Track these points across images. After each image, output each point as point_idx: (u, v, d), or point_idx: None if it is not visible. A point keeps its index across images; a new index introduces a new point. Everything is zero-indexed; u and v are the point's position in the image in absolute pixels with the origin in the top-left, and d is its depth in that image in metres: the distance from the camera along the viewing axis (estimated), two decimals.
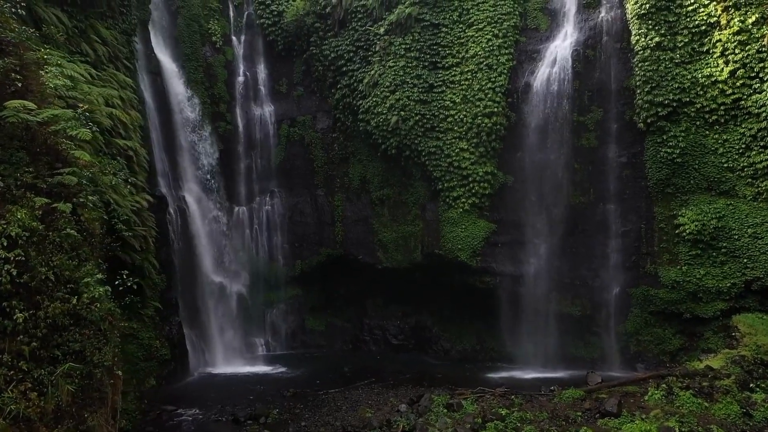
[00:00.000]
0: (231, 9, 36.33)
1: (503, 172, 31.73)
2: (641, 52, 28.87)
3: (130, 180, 24.19)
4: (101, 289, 12.47)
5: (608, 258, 30.11)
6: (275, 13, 35.93)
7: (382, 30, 33.26)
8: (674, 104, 28.19)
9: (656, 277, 28.90)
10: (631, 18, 29.35)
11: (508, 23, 31.81)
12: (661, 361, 28.40)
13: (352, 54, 34.24)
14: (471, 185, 31.48)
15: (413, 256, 33.52)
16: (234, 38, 36.16)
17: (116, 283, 15.14)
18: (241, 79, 35.96)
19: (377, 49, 33.48)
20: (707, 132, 27.97)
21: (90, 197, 14.05)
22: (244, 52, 36.43)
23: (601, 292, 30.32)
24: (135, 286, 17.06)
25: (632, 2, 29.31)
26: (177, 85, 31.99)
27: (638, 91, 28.96)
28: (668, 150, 28.41)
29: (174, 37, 33.12)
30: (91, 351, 12.14)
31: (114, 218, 19.12)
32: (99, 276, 12.81)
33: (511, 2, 32.06)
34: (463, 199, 31.63)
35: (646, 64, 28.73)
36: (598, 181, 30.43)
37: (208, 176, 32.92)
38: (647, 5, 28.63)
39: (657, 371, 24.44)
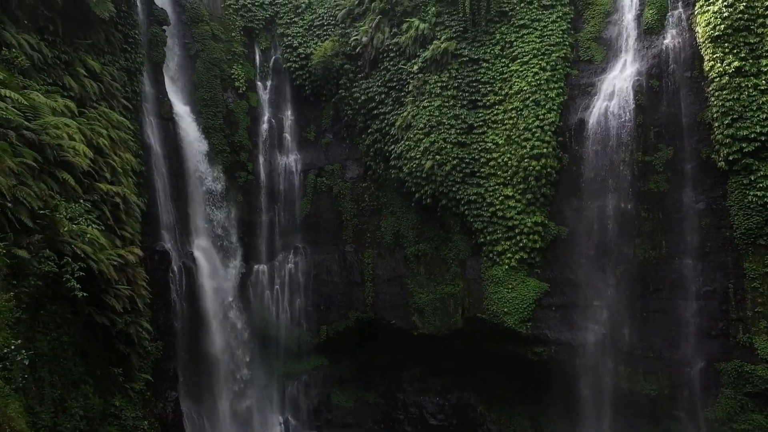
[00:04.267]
0: (257, 53, 34.15)
1: (555, 222, 27.78)
2: (718, 79, 24.60)
3: (119, 232, 21.27)
4: None
5: (688, 324, 25.15)
6: (303, 56, 33.49)
7: (415, 68, 30.20)
8: (762, 138, 23.61)
9: (752, 348, 23.69)
10: (703, 42, 25.23)
11: (557, 54, 28.23)
12: None
13: (383, 95, 31.21)
14: (518, 238, 27.49)
15: (453, 320, 29.34)
16: (259, 83, 33.79)
17: None
18: (265, 126, 33.33)
19: (410, 88, 30.31)
20: None
21: None
22: (270, 98, 33.97)
23: (680, 367, 25.28)
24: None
25: (703, 24, 25.23)
26: (191, 132, 29.49)
27: (716, 125, 24.55)
28: (758, 193, 23.60)
29: (192, 81, 30.92)
30: None
31: (66, 273, 15.69)
32: None
33: (560, 32, 28.58)
34: (509, 254, 27.56)
35: (725, 93, 24.39)
36: (671, 231, 25.78)
37: (223, 231, 29.78)
38: (722, 26, 24.51)
39: None
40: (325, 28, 33.42)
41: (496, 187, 28.06)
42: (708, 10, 25.07)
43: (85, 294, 16.26)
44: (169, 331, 24.62)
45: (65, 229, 15.42)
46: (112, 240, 20.34)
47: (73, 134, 18.63)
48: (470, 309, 28.93)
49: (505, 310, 27.58)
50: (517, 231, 27.54)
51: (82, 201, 17.21)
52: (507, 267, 27.69)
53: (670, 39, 26.55)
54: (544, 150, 27.26)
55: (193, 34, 31.32)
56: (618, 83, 27.04)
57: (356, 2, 32.64)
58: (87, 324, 19.45)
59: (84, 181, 19.44)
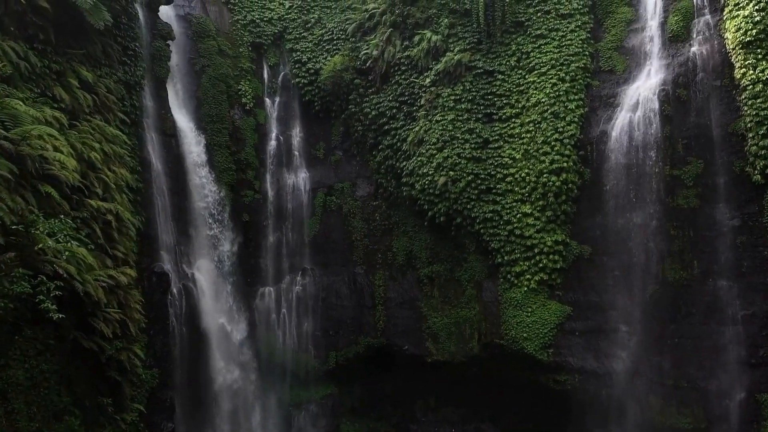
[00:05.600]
0: (265, 69, 33.15)
1: (578, 241, 26.13)
2: (750, 87, 23.03)
3: (110, 251, 20.04)
4: None
5: (725, 351, 23.22)
6: (312, 71, 32.43)
7: (428, 81, 28.97)
8: None
9: None
10: (733, 48, 23.72)
11: (576, 65, 26.91)
12: None
13: (395, 110, 29.97)
14: (537, 258, 25.91)
15: (469, 346, 27.74)
16: (267, 99, 32.73)
17: None
18: (273, 143, 32.18)
19: (422, 102, 29.06)
20: None
21: None
22: (278, 114, 32.86)
23: (718, 398, 23.28)
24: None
25: (733, 30, 23.72)
26: (195, 149, 28.40)
27: (750, 136, 22.93)
28: None
29: (197, 97, 29.88)
30: None
31: (41, 294, 14.37)
32: None
33: (579, 42, 27.29)
34: (528, 276, 25.96)
35: (759, 101, 22.79)
36: (702, 250, 24.08)
37: (227, 251, 28.48)
38: (754, 31, 22.98)
39: None
40: (334, 42, 32.41)
41: (514, 204, 26.52)
42: (738, 15, 23.56)
43: (61, 315, 14.91)
44: (166, 358, 23.22)
45: (40, 246, 14.14)
46: (102, 260, 19.11)
47: (60, 146, 17.52)
48: (487, 334, 27.23)
49: (525, 335, 25.84)
50: (536, 250, 25.90)
51: (62, 216, 15.89)
52: (526, 289, 26.01)
53: (697, 46, 25.03)
54: (564, 164, 25.74)
55: (198, 50, 30.39)
56: (642, 93, 25.52)
57: (367, 16, 31.64)
58: (73, 350, 18.12)
59: (72, 196, 18.32)
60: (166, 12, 29.18)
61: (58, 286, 14.71)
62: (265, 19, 32.89)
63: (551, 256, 25.77)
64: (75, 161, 18.34)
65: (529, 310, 25.98)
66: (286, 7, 33.23)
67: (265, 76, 33.00)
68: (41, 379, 16.31)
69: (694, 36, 25.23)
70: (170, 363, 23.55)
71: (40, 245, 14.31)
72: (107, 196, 19.93)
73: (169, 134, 27.31)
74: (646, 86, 25.71)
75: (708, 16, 25.12)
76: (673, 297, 24.30)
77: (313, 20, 33.09)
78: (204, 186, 28.54)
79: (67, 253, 14.96)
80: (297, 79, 32.63)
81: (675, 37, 25.68)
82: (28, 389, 15.59)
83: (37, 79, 18.39)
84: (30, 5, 18.15)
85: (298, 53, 32.71)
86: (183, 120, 28.67)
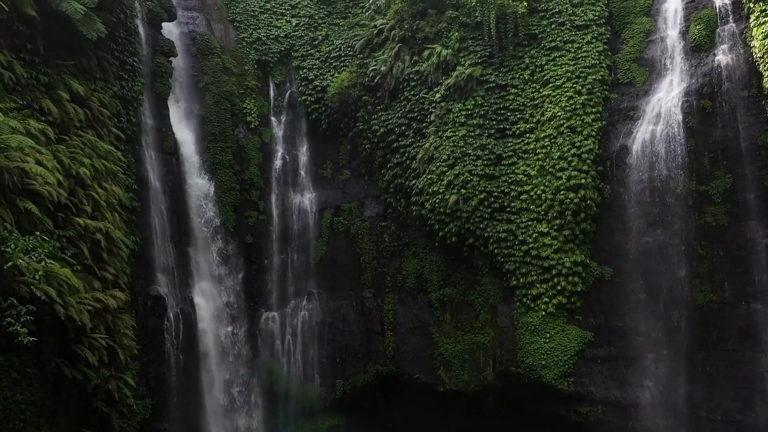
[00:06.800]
0: (271, 87, 32.31)
1: (598, 262, 24.67)
2: None
3: (99, 272, 18.90)
4: None
5: (762, 381, 21.45)
6: (318, 89, 31.52)
7: (438, 96, 27.91)
8: None
9: None
10: (761, 57, 22.45)
11: (593, 77, 25.74)
12: None
13: (404, 127, 28.88)
14: (555, 280, 24.44)
15: (483, 375, 26.25)
16: (273, 118, 31.83)
17: None
18: (278, 162, 31.15)
19: (432, 118, 27.93)
20: None
21: None
22: (285, 134, 31.93)
23: None
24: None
25: (760, 37, 22.45)
26: (197, 168, 27.51)
27: None
28: None
29: (200, 115, 29.05)
30: None
31: (10, 317, 13.16)
32: None
33: (596, 53, 26.16)
34: (546, 299, 24.46)
35: None
36: (734, 271, 22.48)
37: (229, 275, 27.29)
38: None
39: None
40: (342, 59, 31.55)
41: (529, 223, 25.10)
42: (765, 22, 22.29)
43: (33, 339, 13.72)
44: (160, 387, 21.91)
45: (9, 264, 12.99)
46: (89, 281, 17.96)
47: (45, 160, 16.53)
48: (503, 362, 25.66)
49: (543, 362, 24.21)
50: (554, 272, 24.39)
51: (38, 234, 14.74)
52: (543, 313, 24.43)
53: (722, 55, 23.70)
54: (583, 180, 24.35)
55: (202, 67, 29.69)
56: (664, 105, 24.21)
57: (375, 32, 30.77)
58: (56, 379, 16.91)
59: (58, 214, 17.27)
60: (169, 29, 28.62)
61: (30, 310, 13.49)
62: (271, 36, 32.17)
63: (570, 278, 24.24)
64: (61, 176, 17.37)
65: (547, 335, 24.38)
66: (293, 24, 32.53)
67: (271, 94, 32.16)
68: (16, 411, 15.08)
69: (719, 45, 23.96)
70: (165, 392, 22.23)
71: (10, 264, 13.15)
72: (97, 215, 18.85)
73: (170, 152, 26.42)
74: (668, 98, 24.41)
75: (732, 24, 23.88)
76: (703, 321, 22.61)
77: (320, 37, 32.34)
78: (205, 206, 27.58)
79: (39, 272, 13.75)
80: (303, 97, 31.73)
81: (698, 47, 24.41)
82: (0, 422, 14.35)
83: (23, 91, 17.48)
84: (16, 13, 17.33)
85: (305, 71, 31.86)
86: (185, 138, 27.85)
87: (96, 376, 17.61)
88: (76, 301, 16.39)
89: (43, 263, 13.95)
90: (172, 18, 28.09)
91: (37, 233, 14.62)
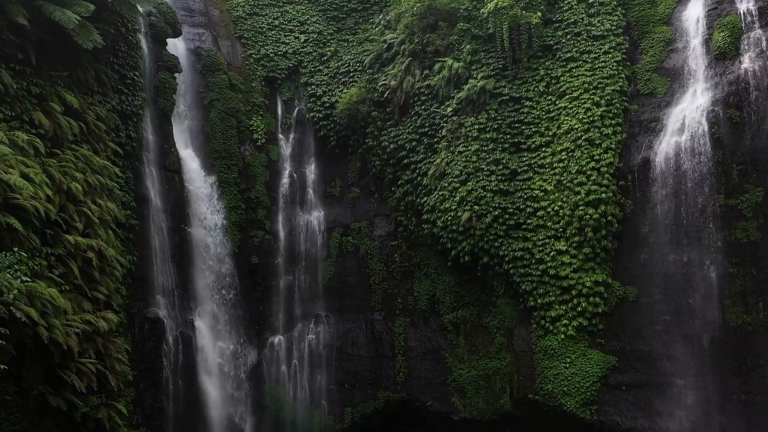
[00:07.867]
0: (279, 104, 31.52)
1: (621, 281, 23.33)
2: None
3: (90, 293, 17.92)
4: None
5: None
6: (327, 105, 30.70)
7: (449, 110, 26.94)
8: None
9: None
10: None
11: (611, 88, 24.69)
12: None
13: (414, 143, 27.91)
14: (575, 301, 23.13)
15: (500, 402, 24.83)
16: (281, 135, 31.02)
17: None
18: (286, 180, 30.24)
19: (444, 133, 26.94)
20: None
21: None
22: (293, 151, 31.06)
23: None
24: None
25: None
26: (201, 186, 26.74)
27: None
28: None
29: (205, 132, 28.33)
30: None
31: None
32: None
33: (614, 64, 25.15)
34: (566, 321, 23.14)
35: None
36: None
37: (232, 297, 26.23)
38: None
39: None
40: (351, 75, 30.77)
41: (547, 240, 23.84)
42: None
43: (4, 367, 12.61)
44: (157, 416, 20.82)
45: None
46: (78, 302, 16.99)
47: (32, 174, 15.67)
48: (520, 388, 24.22)
49: (564, 389, 22.75)
50: (573, 292, 23.04)
51: (16, 250, 13.77)
52: (563, 336, 23.03)
53: (748, 63, 22.58)
54: (603, 195, 23.11)
55: (208, 83, 29.04)
56: (689, 116, 23.07)
57: (385, 47, 29.98)
58: (40, 408, 15.85)
59: (45, 230, 16.37)
60: (175, 45, 28.08)
61: (2, 333, 12.45)
62: (279, 53, 31.51)
63: (591, 299, 22.87)
64: (51, 191, 16.51)
65: (568, 360, 22.95)
66: (302, 41, 31.86)
67: (279, 111, 31.38)
68: None
69: (744, 52, 22.86)
70: (162, 421, 21.11)
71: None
72: (89, 232, 17.96)
73: (173, 169, 25.71)
74: (692, 108, 23.26)
75: (759, 31, 22.80)
76: (736, 345, 21.13)
77: (329, 53, 31.63)
78: (209, 225, 26.62)
79: (15, 291, 12.74)
80: (312, 114, 30.90)
81: (722, 55, 23.27)
82: None
83: (12, 102, 16.76)
84: (6, 22, 16.68)
85: (313, 87, 31.09)
86: (189, 155, 27.15)
87: (84, 404, 16.54)
88: (62, 323, 15.37)
89: (19, 281, 12.95)
90: (177, 34, 27.59)
91: (15, 249, 13.68)
